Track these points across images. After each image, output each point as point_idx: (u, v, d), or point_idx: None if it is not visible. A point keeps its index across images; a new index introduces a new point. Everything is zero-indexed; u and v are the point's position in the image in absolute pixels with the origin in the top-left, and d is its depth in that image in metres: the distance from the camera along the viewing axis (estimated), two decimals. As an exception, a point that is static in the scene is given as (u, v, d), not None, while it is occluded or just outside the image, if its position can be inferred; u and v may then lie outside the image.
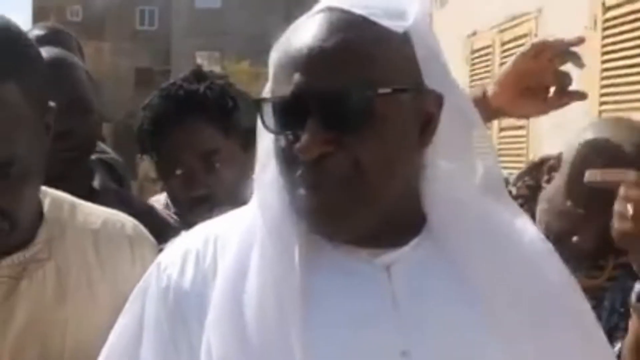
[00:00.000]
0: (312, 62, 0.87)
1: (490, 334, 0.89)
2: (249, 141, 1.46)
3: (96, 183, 1.70)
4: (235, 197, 1.44)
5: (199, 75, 1.51)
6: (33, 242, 1.17)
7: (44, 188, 1.21)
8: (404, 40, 0.89)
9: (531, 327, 0.91)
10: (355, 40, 0.87)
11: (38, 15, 30.26)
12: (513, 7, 5.21)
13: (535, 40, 1.58)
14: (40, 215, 1.20)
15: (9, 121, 1.06)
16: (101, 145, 2.06)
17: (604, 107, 4.24)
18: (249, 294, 0.89)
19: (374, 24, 0.88)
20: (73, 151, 1.58)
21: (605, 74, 4.24)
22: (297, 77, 0.87)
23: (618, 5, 4.12)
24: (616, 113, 4.15)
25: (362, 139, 0.87)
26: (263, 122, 0.90)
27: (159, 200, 2.06)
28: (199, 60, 30.69)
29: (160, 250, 1.44)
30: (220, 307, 0.90)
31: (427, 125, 0.91)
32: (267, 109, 0.90)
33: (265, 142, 0.94)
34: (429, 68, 0.91)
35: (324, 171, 0.87)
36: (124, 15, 34.85)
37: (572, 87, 1.62)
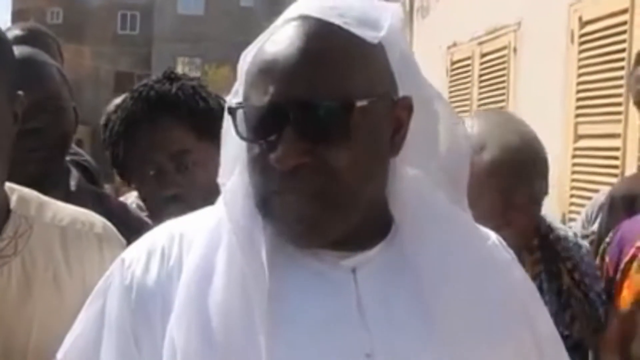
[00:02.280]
0: (289, 71, 0.86)
1: (441, 341, 0.90)
2: (220, 143, 1.51)
3: (72, 184, 1.68)
4: (209, 198, 1.46)
5: (171, 76, 1.51)
6: None
7: (12, 185, 1.21)
8: (378, 49, 0.90)
9: (485, 334, 0.92)
10: (332, 51, 0.87)
11: (18, 17, 30.00)
12: (493, 19, 5.26)
13: None
14: (7, 211, 1.19)
15: None
16: (75, 148, 2.04)
17: (580, 118, 4.30)
18: (215, 292, 0.89)
19: (349, 33, 0.88)
20: (45, 149, 1.56)
21: (581, 86, 4.29)
22: (273, 87, 0.86)
23: (594, 20, 4.17)
24: (591, 125, 4.21)
25: (337, 150, 0.87)
26: (236, 129, 0.90)
27: (127, 200, 2.06)
28: (180, 66, 30.66)
29: None
30: (185, 304, 0.89)
31: (397, 131, 0.92)
32: (240, 117, 0.89)
33: (231, 147, 0.94)
34: (402, 74, 0.92)
35: (300, 182, 0.86)
36: (105, 18, 34.68)
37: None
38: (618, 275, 1.43)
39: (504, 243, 1.03)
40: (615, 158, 3.95)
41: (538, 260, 1.56)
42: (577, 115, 4.29)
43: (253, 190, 0.90)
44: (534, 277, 1.50)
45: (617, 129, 3.90)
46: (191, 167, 1.45)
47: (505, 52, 5.28)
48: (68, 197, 1.55)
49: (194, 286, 0.90)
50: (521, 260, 1.51)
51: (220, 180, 0.95)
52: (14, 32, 2.26)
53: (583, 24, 4.27)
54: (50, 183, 1.52)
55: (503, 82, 5.29)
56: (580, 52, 4.29)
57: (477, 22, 5.70)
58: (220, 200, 0.95)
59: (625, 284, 1.40)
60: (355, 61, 0.88)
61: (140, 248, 0.96)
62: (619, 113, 3.89)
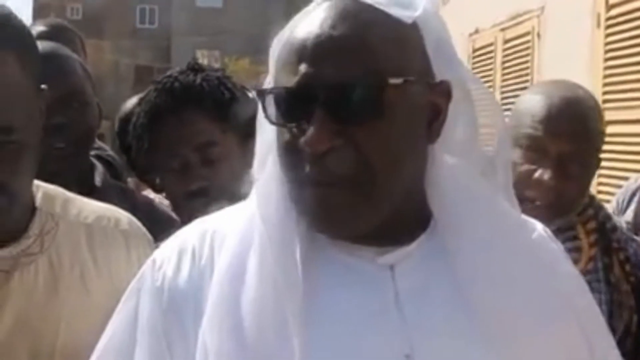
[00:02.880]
0: (320, 51, 0.83)
1: (485, 339, 0.86)
2: (246, 135, 1.43)
3: (97, 179, 1.67)
4: (233, 192, 1.43)
5: (195, 67, 1.48)
6: (25, 236, 1.15)
7: (36, 182, 1.19)
8: (413, 30, 0.86)
9: (530, 331, 0.88)
10: (364, 29, 0.84)
11: (39, 13, 30.25)
12: (515, 5, 5.19)
13: None
14: (32, 208, 1.18)
15: (10, 89, 1.06)
16: (98, 142, 2.03)
17: (607, 104, 4.22)
18: (247, 293, 0.86)
19: (382, 13, 0.85)
20: (70, 145, 1.55)
21: (608, 71, 4.21)
22: (303, 67, 0.83)
23: (621, 3, 4.09)
24: (618, 110, 4.13)
25: (370, 132, 0.83)
26: (266, 114, 0.86)
27: (151, 194, 2.04)
28: (199, 59, 30.75)
29: (157, 246, 1.43)
30: (218, 306, 0.87)
31: (435, 118, 0.88)
32: (270, 101, 0.86)
33: (266, 135, 0.90)
34: (438, 58, 0.88)
35: (331, 167, 0.83)
36: (124, 13, 34.85)
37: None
38: None
39: (552, 235, 0.98)
40: (644, 144, 3.88)
41: (595, 243, 1.51)
42: (605, 102, 4.21)
43: (285, 178, 0.87)
44: (589, 260, 1.47)
45: (646, 114, 3.83)
46: (216, 160, 1.42)
47: (528, 37, 5.20)
48: (93, 192, 1.54)
49: (226, 287, 0.87)
50: (577, 238, 1.48)
51: (253, 171, 0.92)
52: (38, 28, 2.26)
53: (609, 6, 4.19)
54: (75, 179, 1.51)
55: (527, 68, 5.21)
56: (607, 36, 4.22)
57: (499, 8, 5.62)
58: (252, 194, 0.92)
59: None
60: (388, 40, 0.84)
61: (171, 248, 0.94)
62: (647, 98, 3.82)
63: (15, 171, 1.08)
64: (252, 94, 1.58)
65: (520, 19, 5.22)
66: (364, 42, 0.83)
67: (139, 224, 1.27)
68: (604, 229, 1.53)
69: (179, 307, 0.90)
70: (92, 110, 1.63)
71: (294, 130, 0.84)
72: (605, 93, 4.22)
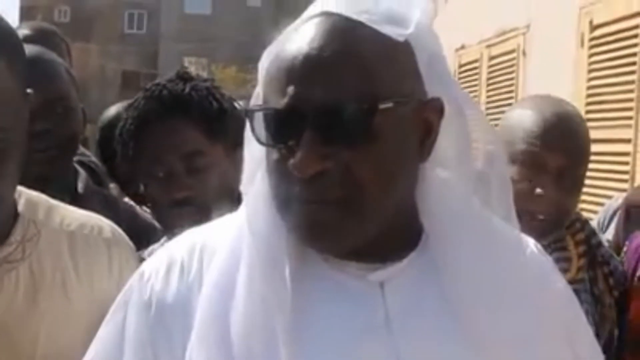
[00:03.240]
0: (309, 72, 0.81)
1: (476, 356, 0.86)
2: (233, 146, 1.43)
3: (80, 186, 1.66)
4: (218, 202, 1.40)
5: (184, 76, 1.48)
6: (6, 242, 1.14)
7: (19, 188, 1.18)
8: (404, 47, 0.84)
9: (519, 348, 0.87)
10: (355, 50, 0.82)
11: (25, 16, 30.10)
12: (502, 22, 5.25)
13: None
14: (14, 215, 1.16)
15: (3, 91, 1.07)
16: (81, 148, 2.02)
17: (590, 123, 4.25)
18: (236, 308, 0.85)
19: (373, 31, 0.83)
20: (52, 151, 1.54)
21: (591, 90, 4.27)
22: (292, 88, 0.81)
23: (605, 24, 4.15)
24: (601, 129, 4.18)
25: (360, 155, 0.81)
26: (254, 133, 0.85)
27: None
28: (186, 64, 30.71)
29: (140, 256, 1.40)
30: (206, 321, 0.86)
31: (427, 135, 0.86)
32: (258, 120, 0.84)
33: (253, 150, 0.89)
34: (430, 75, 0.86)
35: (321, 189, 0.82)
36: (113, 17, 34.78)
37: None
38: (635, 284, 1.42)
39: (542, 249, 0.98)
40: (626, 163, 3.93)
41: (584, 254, 1.53)
42: (587, 120, 4.22)
43: (273, 197, 0.85)
44: (579, 270, 1.49)
45: (628, 133, 3.88)
46: (202, 170, 1.42)
47: (514, 55, 5.26)
48: (76, 199, 1.54)
49: (215, 302, 0.86)
50: (566, 249, 1.50)
51: (242, 186, 0.91)
52: (23, 32, 2.25)
53: (593, 27, 4.25)
54: (58, 185, 1.50)
55: (512, 85, 5.27)
56: (590, 55, 4.27)
57: (486, 24, 5.67)
58: (242, 208, 0.91)
59: None
60: (379, 60, 0.82)
61: (160, 261, 0.92)
62: (629, 118, 3.87)
63: (1, 174, 1.08)
64: (239, 105, 1.59)
65: (506, 36, 5.28)
66: (354, 63, 0.81)
67: (121, 232, 1.27)
68: (590, 243, 1.55)
69: (166, 321, 0.88)
70: (76, 115, 1.62)
71: (283, 150, 0.83)
72: (588, 112, 4.27)
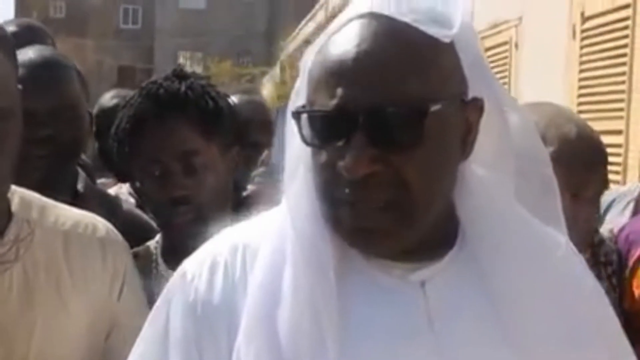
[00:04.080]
0: (357, 74, 0.81)
1: (518, 356, 0.86)
2: (228, 145, 1.46)
3: (80, 185, 1.65)
4: (213, 200, 1.41)
5: (180, 74, 1.47)
6: (0, 242, 1.13)
7: (13, 187, 1.18)
8: (450, 48, 0.84)
9: (560, 349, 0.88)
10: (403, 51, 0.82)
11: (21, 11, 30.00)
12: (494, 14, 5.27)
13: None
14: (8, 214, 1.16)
15: (3, 77, 1.09)
16: None
17: (582, 115, 4.30)
18: (283, 309, 0.85)
19: (420, 32, 0.82)
20: (54, 157, 1.52)
21: (583, 82, 4.30)
22: (340, 90, 0.81)
23: (596, 16, 4.18)
24: (592, 121, 4.21)
25: (410, 158, 0.82)
26: (301, 135, 0.85)
27: (121, 190, 2.01)
28: (181, 60, 30.62)
29: (135, 253, 1.42)
30: (253, 322, 0.85)
31: (467, 134, 0.87)
32: (305, 121, 0.84)
33: (295, 148, 0.88)
34: (473, 75, 0.86)
35: (371, 191, 0.82)
36: (108, 13, 34.68)
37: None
38: (626, 274, 1.41)
39: (575, 249, 0.97)
40: (618, 155, 3.95)
41: (592, 256, 1.51)
42: (579, 112, 4.29)
43: (320, 197, 0.85)
44: None
45: (619, 125, 3.91)
46: (199, 169, 1.41)
47: (506, 47, 5.29)
48: (76, 198, 1.54)
49: (261, 303, 0.86)
50: None
51: (284, 184, 0.90)
52: (10, 28, 2.22)
53: (585, 19, 4.27)
54: (58, 186, 1.50)
55: (505, 77, 5.30)
56: (582, 47, 4.29)
57: (479, 17, 5.68)
58: (283, 205, 0.90)
59: (634, 282, 1.39)
60: (427, 62, 0.82)
61: (202, 261, 0.92)
62: (620, 109, 3.90)
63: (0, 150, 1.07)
64: (234, 102, 1.61)
65: (498, 29, 5.31)
66: (403, 65, 0.81)
67: (116, 231, 1.26)
68: (592, 242, 1.53)
69: (212, 322, 0.88)
70: (83, 122, 1.60)
71: (331, 151, 0.82)
72: (580, 104, 4.31)
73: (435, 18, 0.84)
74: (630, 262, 1.41)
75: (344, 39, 0.83)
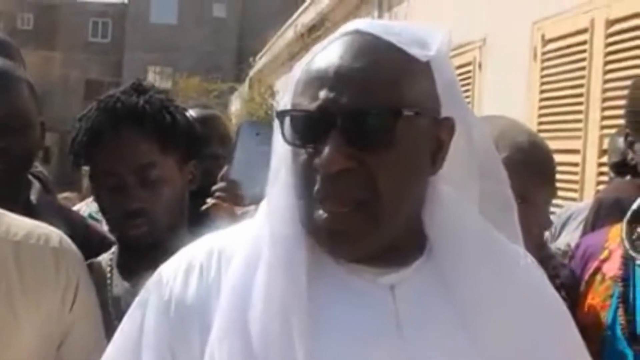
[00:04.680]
0: (340, 79, 0.88)
1: (483, 358, 0.90)
2: (186, 158, 1.48)
3: (32, 197, 1.64)
4: (170, 213, 1.43)
5: (138, 88, 1.48)
6: None
7: None
8: (426, 68, 0.92)
9: (521, 355, 0.92)
10: (383, 64, 0.89)
11: (-13, 22, 29.63)
12: (459, 36, 5.36)
13: None
14: None
15: None
16: None
17: (541, 134, 4.38)
18: (254, 311, 0.89)
19: (400, 50, 0.90)
20: (4, 169, 1.50)
21: (544, 102, 4.39)
22: (323, 92, 0.88)
23: (556, 39, 4.28)
24: (553, 140, 4.30)
25: (381, 159, 0.87)
26: (283, 135, 0.91)
27: (80, 210, 2.04)
28: (150, 75, 30.46)
29: (90, 264, 1.43)
30: (225, 323, 0.89)
31: (438, 150, 0.93)
32: (288, 122, 0.90)
33: (279, 152, 0.93)
34: (446, 96, 0.93)
35: (342, 187, 0.87)
36: (77, 25, 34.40)
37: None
38: (582, 287, 1.44)
39: (534, 261, 1.03)
40: (575, 173, 4.05)
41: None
42: (539, 131, 4.38)
43: (297, 197, 0.90)
44: None
45: (577, 145, 4.00)
46: (155, 182, 1.42)
47: (470, 67, 5.38)
48: (29, 209, 1.53)
49: (233, 306, 0.89)
50: None
51: (267, 188, 0.95)
52: None
53: (545, 42, 4.38)
54: (11, 197, 1.48)
55: (468, 96, 5.38)
56: (543, 69, 4.39)
57: (444, 38, 5.78)
58: (261, 211, 0.95)
59: (589, 296, 1.42)
60: (405, 75, 0.90)
61: (178, 264, 0.96)
62: (579, 129, 3.99)
63: None
64: (191, 115, 1.62)
65: (463, 50, 5.39)
66: (382, 75, 0.88)
67: (69, 242, 1.26)
68: (541, 257, 1.59)
69: (185, 323, 0.91)
70: (34, 133, 1.57)
71: (310, 151, 0.88)
72: (540, 123, 4.40)
73: (416, 41, 0.92)
74: (586, 276, 1.45)
75: (330, 51, 0.91)
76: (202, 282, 0.93)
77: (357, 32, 0.92)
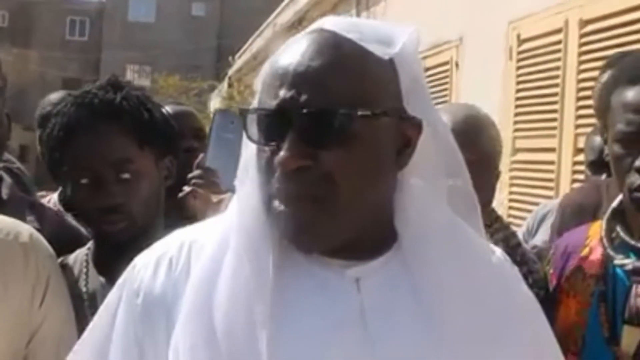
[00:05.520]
0: (298, 79, 0.89)
1: (447, 352, 0.91)
2: (161, 154, 1.48)
3: (4, 192, 1.63)
4: (145, 209, 1.43)
5: (115, 84, 1.48)
6: None
7: None
8: (389, 66, 0.91)
9: (486, 347, 0.93)
10: (340, 61, 0.90)
11: (-38, 20, 29.28)
12: (436, 35, 5.40)
13: None
14: None
15: None
16: (7, 155, 1.98)
17: (518, 133, 4.44)
18: (220, 298, 0.91)
19: (361, 47, 0.91)
20: None
21: (519, 102, 4.43)
22: (282, 92, 0.89)
23: (532, 39, 4.32)
24: (528, 139, 4.35)
25: (338, 156, 0.89)
26: (246, 133, 0.93)
27: (51, 201, 2.02)
28: (129, 73, 30.25)
29: (63, 261, 1.42)
30: (191, 311, 0.91)
31: (404, 148, 0.94)
32: (252, 121, 0.92)
33: (248, 152, 0.95)
34: (411, 95, 0.93)
35: (299, 183, 0.89)
36: (54, 23, 34.12)
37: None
38: (563, 285, 1.45)
39: (509, 259, 1.05)
40: (551, 171, 4.10)
41: (498, 241, 1.59)
42: (515, 130, 4.44)
43: (261, 193, 0.92)
44: None
45: (553, 143, 4.05)
46: (131, 178, 1.42)
47: (447, 66, 5.41)
48: (0, 206, 1.52)
49: (200, 294, 0.91)
50: None
51: (236, 184, 0.97)
52: None
53: (521, 41, 4.42)
54: None
55: (445, 95, 5.42)
56: (518, 68, 4.44)
57: (421, 37, 5.81)
58: (232, 206, 0.97)
59: (571, 294, 1.42)
60: (364, 73, 0.90)
61: (151, 255, 0.99)
62: (554, 128, 4.04)
63: None
64: (168, 112, 1.62)
65: (440, 49, 5.43)
66: (339, 73, 0.89)
67: (40, 237, 1.26)
68: (508, 244, 1.61)
69: (152, 311, 0.94)
70: (1, 128, 1.55)
71: (272, 149, 0.90)
72: (516, 122, 4.45)
73: (380, 38, 0.93)
74: (567, 272, 1.45)
75: (292, 50, 0.92)
76: (170, 273, 0.95)
77: (321, 30, 0.93)
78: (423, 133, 0.94)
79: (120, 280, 1.00)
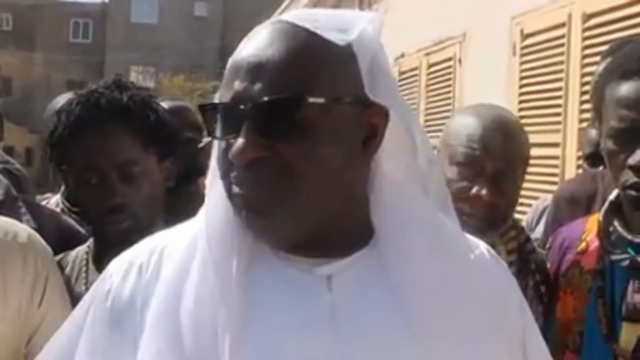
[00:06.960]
0: (251, 70, 0.88)
1: (420, 350, 0.90)
2: (164, 156, 1.49)
3: (0, 192, 1.64)
4: (148, 210, 1.44)
5: (120, 84, 1.48)
6: None
7: None
8: (347, 53, 0.89)
9: (459, 341, 0.91)
10: (294, 50, 0.88)
11: (-34, 24, 29.35)
12: (439, 31, 5.40)
13: None
14: None
15: None
16: (5, 156, 2.01)
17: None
18: (186, 305, 0.90)
19: (316, 36, 0.89)
20: None
21: (523, 97, 4.43)
22: (236, 84, 0.88)
23: (535, 34, 4.32)
24: (532, 134, 4.33)
25: (295, 146, 0.87)
26: (207, 128, 0.92)
27: (50, 202, 2.02)
28: (133, 75, 30.29)
29: (65, 259, 1.44)
30: (158, 317, 0.91)
31: (371, 137, 0.91)
32: (211, 115, 0.91)
33: (215, 151, 0.94)
34: (373, 82, 0.91)
35: (255, 174, 0.87)
36: (57, 26, 34.16)
37: None
38: (560, 280, 1.43)
39: (495, 254, 1.02)
40: (555, 166, 4.09)
41: (512, 263, 1.54)
42: (519, 125, 4.42)
43: (224, 188, 0.91)
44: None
45: (557, 138, 4.04)
46: (136, 178, 1.43)
47: (450, 62, 5.41)
48: None
49: (167, 298, 0.91)
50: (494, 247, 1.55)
51: (207, 181, 0.96)
52: None
53: (524, 36, 4.41)
54: None
55: (449, 92, 5.42)
56: (522, 63, 4.43)
57: (424, 33, 5.82)
58: (202, 208, 0.96)
59: (568, 290, 1.41)
60: (317, 61, 0.88)
61: (123, 260, 0.99)
62: (558, 123, 4.03)
63: None
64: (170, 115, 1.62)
65: (443, 45, 5.43)
66: (292, 63, 0.88)
67: (38, 237, 1.26)
68: (524, 250, 1.57)
69: (120, 315, 0.94)
70: None
71: (228, 143, 0.89)
72: (520, 117, 4.43)
73: (337, 26, 0.91)
74: (564, 267, 1.44)
75: (249, 42, 0.91)
76: (140, 277, 0.95)
77: (278, 22, 0.92)
78: (392, 121, 0.92)
79: (93, 286, 1.01)
